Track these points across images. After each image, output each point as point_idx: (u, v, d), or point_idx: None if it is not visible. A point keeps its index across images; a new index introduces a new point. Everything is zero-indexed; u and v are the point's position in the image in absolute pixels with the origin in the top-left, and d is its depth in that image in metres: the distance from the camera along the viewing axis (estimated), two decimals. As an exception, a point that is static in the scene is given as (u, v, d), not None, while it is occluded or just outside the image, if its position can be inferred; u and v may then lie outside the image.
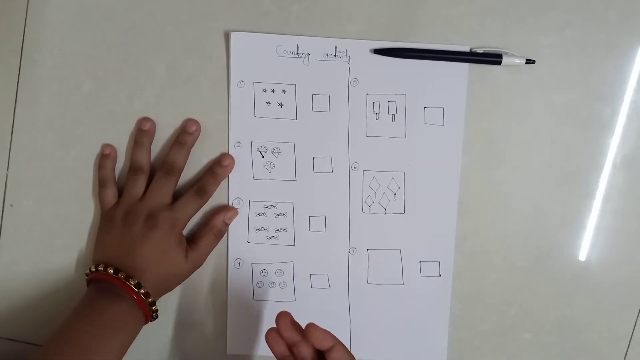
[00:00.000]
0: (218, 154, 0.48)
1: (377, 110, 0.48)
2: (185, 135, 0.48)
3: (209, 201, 0.48)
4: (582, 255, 0.48)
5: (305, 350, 0.39)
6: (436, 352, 0.49)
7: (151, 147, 0.48)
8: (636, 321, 0.49)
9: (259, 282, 0.49)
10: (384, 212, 0.48)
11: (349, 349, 0.39)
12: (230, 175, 0.48)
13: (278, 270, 0.49)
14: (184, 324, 0.50)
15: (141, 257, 0.44)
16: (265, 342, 0.40)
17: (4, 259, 0.50)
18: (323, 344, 0.38)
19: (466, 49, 0.47)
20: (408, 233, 0.48)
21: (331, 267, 0.49)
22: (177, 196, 0.47)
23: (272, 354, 0.49)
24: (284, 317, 0.40)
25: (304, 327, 0.39)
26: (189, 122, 0.48)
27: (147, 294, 0.44)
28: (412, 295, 0.49)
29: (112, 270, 0.44)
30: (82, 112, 0.49)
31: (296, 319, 0.48)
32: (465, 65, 0.47)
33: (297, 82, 0.48)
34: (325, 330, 0.38)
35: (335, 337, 0.38)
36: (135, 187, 0.47)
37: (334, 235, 0.48)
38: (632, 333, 0.49)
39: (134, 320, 0.43)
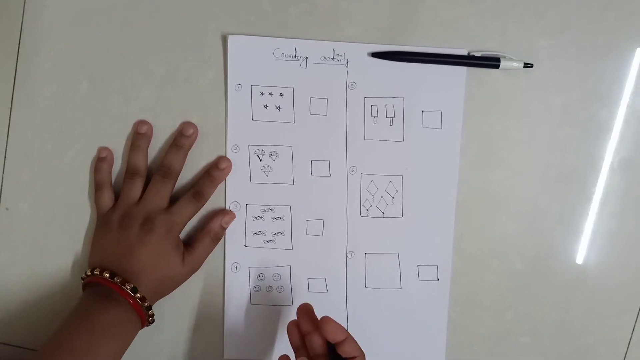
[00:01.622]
0: (215, 157, 0.48)
1: (375, 114, 0.48)
2: (182, 139, 0.47)
3: (206, 205, 0.48)
4: (580, 259, 0.48)
5: (317, 341, 0.41)
6: (434, 356, 0.49)
7: (148, 150, 0.48)
8: (634, 324, 0.49)
9: (256, 286, 0.49)
10: (381, 216, 0.48)
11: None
12: (227, 178, 0.48)
13: (275, 274, 0.49)
14: (180, 328, 0.49)
15: (138, 260, 0.44)
16: (287, 332, 0.43)
17: (0, 262, 0.50)
18: (336, 337, 0.39)
19: (464, 52, 0.47)
20: (406, 237, 0.48)
21: (329, 271, 0.49)
22: (174, 199, 0.47)
23: (269, 359, 0.49)
24: (303, 308, 0.42)
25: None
26: (186, 125, 0.48)
27: (143, 299, 0.43)
28: (410, 299, 0.49)
29: (107, 274, 0.43)
30: (78, 114, 0.49)
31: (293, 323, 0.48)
32: (463, 68, 0.47)
33: (294, 86, 0.48)
34: (339, 323, 0.39)
35: (347, 331, 0.39)
36: (132, 191, 0.47)
37: (331, 239, 0.48)
38: (631, 336, 0.49)
39: (129, 324, 0.43)
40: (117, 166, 0.49)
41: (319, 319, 0.40)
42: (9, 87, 0.49)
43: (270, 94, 0.48)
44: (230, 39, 0.47)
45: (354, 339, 0.40)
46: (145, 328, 0.45)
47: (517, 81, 0.47)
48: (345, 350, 0.39)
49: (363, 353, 0.40)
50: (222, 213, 0.48)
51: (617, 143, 0.48)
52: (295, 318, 0.42)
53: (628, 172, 0.48)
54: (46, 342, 0.41)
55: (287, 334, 0.43)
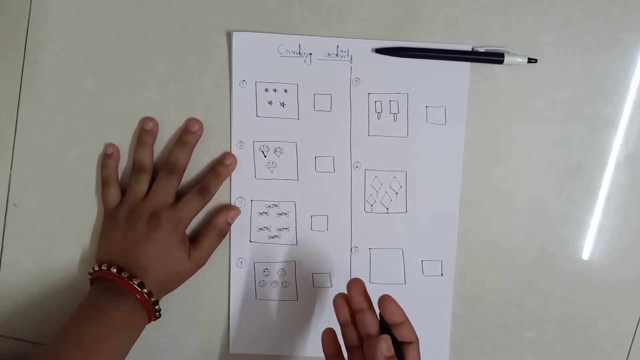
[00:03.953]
0: (220, 153, 0.49)
1: (379, 110, 0.48)
2: (187, 135, 0.48)
3: (211, 200, 0.48)
4: (585, 254, 0.48)
5: (370, 319, 0.39)
6: (438, 351, 0.49)
7: (154, 146, 0.48)
8: (639, 319, 0.49)
9: (261, 281, 0.49)
10: (386, 212, 0.48)
11: None
12: (232, 174, 0.48)
13: (280, 270, 0.49)
14: (186, 323, 0.50)
15: (144, 256, 0.45)
16: (333, 305, 0.41)
17: (8, 257, 0.50)
18: (395, 318, 0.37)
19: (468, 48, 0.47)
20: (410, 232, 0.48)
21: (333, 266, 0.49)
22: (179, 195, 0.47)
23: (274, 354, 0.50)
24: (357, 282, 0.40)
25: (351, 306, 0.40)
26: (191, 121, 0.48)
27: (150, 293, 0.44)
28: (414, 295, 0.49)
29: (115, 270, 0.44)
30: (84, 111, 0.49)
31: (299, 319, 0.49)
32: (467, 64, 0.47)
33: (299, 82, 0.48)
34: (399, 305, 0.38)
35: (405, 314, 0.38)
36: (138, 187, 0.47)
37: (336, 235, 0.49)
38: (635, 331, 0.49)
39: (137, 319, 0.44)
40: (124, 162, 0.49)
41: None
42: (16, 84, 0.49)
43: (275, 90, 0.48)
44: (235, 35, 0.47)
45: (411, 323, 0.38)
46: (152, 323, 0.46)
47: (521, 77, 0.47)
48: (402, 334, 0.37)
49: (418, 339, 0.38)
50: (228, 209, 0.48)
51: (622, 138, 0.47)
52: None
53: (634, 168, 0.48)
54: (54, 337, 0.41)
55: (334, 308, 0.40)
